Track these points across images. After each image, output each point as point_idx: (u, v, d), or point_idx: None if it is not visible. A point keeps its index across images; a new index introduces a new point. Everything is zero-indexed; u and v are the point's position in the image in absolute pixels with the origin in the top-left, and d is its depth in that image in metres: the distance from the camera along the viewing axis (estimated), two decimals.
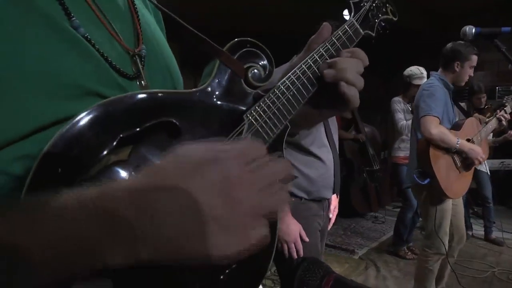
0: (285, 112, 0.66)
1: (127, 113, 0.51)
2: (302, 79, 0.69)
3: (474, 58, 2.91)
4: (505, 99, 3.42)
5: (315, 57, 0.71)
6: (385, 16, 0.84)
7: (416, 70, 4.41)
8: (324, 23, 0.74)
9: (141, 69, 0.63)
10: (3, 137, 0.46)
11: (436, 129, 2.72)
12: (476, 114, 3.94)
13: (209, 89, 0.61)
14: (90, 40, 0.54)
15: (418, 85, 4.34)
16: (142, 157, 0.51)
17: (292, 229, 1.85)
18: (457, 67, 2.91)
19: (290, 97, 0.67)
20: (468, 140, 2.91)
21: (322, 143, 2.04)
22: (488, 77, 6.77)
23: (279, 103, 0.66)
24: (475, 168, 3.13)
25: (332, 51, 0.72)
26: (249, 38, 0.66)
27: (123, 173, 0.48)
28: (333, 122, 2.19)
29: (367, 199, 6.29)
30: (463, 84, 3.02)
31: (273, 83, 0.67)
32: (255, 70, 0.66)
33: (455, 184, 2.85)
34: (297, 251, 1.86)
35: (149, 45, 0.67)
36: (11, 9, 0.48)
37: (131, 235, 0.39)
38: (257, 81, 0.66)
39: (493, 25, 1.79)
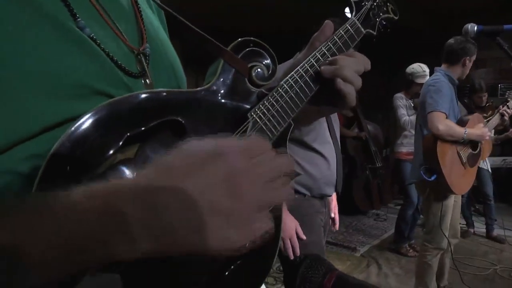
0: (288, 110, 0.67)
1: (134, 112, 0.51)
2: (305, 77, 0.70)
3: (475, 53, 2.98)
4: (507, 94, 3.43)
5: (317, 56, 0.72)
6: (386, 15, 0.85)
7: (419, 68, 4.40)
8: (327, 21, 0.75)
9: (146, 67, 0.63)
10: (12, 137, 0.47)
11: (444, 124, 2.75)
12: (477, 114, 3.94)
13: (214, 88, 0.62)
14: (96, 40, 0.55)
15: (420, 83, 4.34)
16: (149, 155, 0.51)
17: (288, 226, 1.83)
18: (468, 62, 2.95)
19: (293, 95, 0.68)
20: None
21: (325, 140, 2.05)
22: (491, 74, 6.76)
23: (282, 101, 0.67)
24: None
25: (334, 49, 0.74)
26: (252, 38, 0.67)
27: (130, 171, 0.49)
28: (335, 119, 2.19)
29: (369, 196, 6.29)
30: (464, 78, 3.06)
31: (277, 80, 0.68)
32: (259, 69, 0.67)
33: (461, 180, 2.88)
34: (293, 248, 1.82)
35: (153, 44, 0.68)
36: (17, 11, 0.48)
37: (138, 230, 0.40)
38: (261, 80, 0.67)
39: (494, 24, 1.79)
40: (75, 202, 0.40)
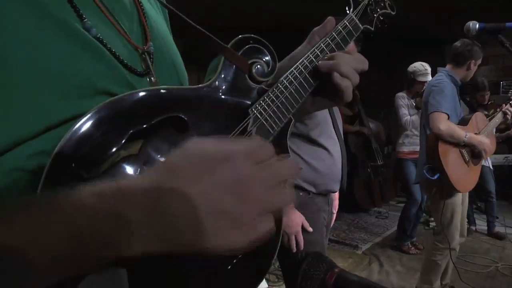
0: (288, 106, 0.68)
1: (136, 109, 0.52)
2: (304, 73, 0.71)
3: (481, 57, 3.00)
4: (511, 92, 3.42)
5: (316, 52, 0.73)
6: (383, 11, 0.86)
7: (420, 67, 4.40)
8: (329, 17, 0.77)
9: (150, 65, 0.64)
10: (19, 135, 0.48)
11: (445, 125, 2.77)
12: (479, 113, 3.94)
13: (215, 84, 0.63)
14: (102, 40, 0.56)
15: (422, 82, 4.35)
16: (152, 151, 0.52)
17: (294, 222, 1.85)
18: (473, 65, 2.98)
19: (292, 91, 0.69)
20: (475, 134, 2.94)
21: (330, 135, 2.05)
22: (493, 71, 6.74)
23: (282, 97, 0.68)
24: None
25: (333, 45, 0.75)
26: (252, 35, 0.68)
27: (134, 168, 0.50)
28: (338, 116, 2.19)
29: (371, 194, 6.29)
30: (468, 80, 3.08)
31: (279, 75, 0.69)
32: (259, 66, 0.67)
33: (464, 178, 2.89)
34: (297, 244, 1.85)
35: (156, 42, 0.68)
36: (25, 13, 0.49)
37: (143, 232, 0.41)
38: (261, 76, 0.67)
39: (496, 21, 1.78)
40: (82, 203, 0.40)
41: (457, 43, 3.03)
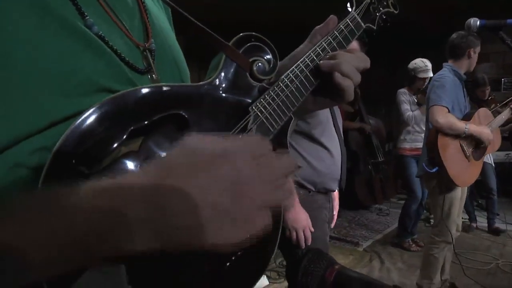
0: (289, 104, 0.68)
1: (138, 106, 0.52)
2: (305, 72, 0.71)
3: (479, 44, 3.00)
4: None
5: (317, 50, 0.73)
6: (386, 9, 0.85)
7: (421, 63, 4.38)
8: (331, 15, 0.76)
9: (152, 63, 0.64)
10: (20, 132, 0.48)
11: (444, 117, 2.77)
12: (483, 108, 3.93)
13: (216, 82, 0.63)
14: (104, 38, 0.56)
15: (423, 78, 4.34)
16: (152, 148, 0.53)
17: (302, 217, 1.87)
18: (473, 53, 2.97)
19: (293, 90, 0.69)
20: None
21: (331, 134, 2.06)
22: (494, 68, 6.73)
23: (283, 95, 0.68)
24: None
25: (334, 44, 0.74)
26: (253, 33, 0.68)
27: (134, 164, 0.50)
28: (338, 114, 2.20)
29: (371, 191, 6.29)
30: (472, 70, 3.08)
31: (280, 74, 0.69)
32: (260, 64, 0.67)
33: (464, 172, 2.90)
34: (306, 239, 1.87)
35: (158, 39, 0.68)
36: (26, 11, 0.49)
37: (142, 229, 0.41)
38: (262, 74, 0.67)
39: (497, 19, 1.78)
40: (82, 200, 0.41)
41: (452, 36, 3.05)
